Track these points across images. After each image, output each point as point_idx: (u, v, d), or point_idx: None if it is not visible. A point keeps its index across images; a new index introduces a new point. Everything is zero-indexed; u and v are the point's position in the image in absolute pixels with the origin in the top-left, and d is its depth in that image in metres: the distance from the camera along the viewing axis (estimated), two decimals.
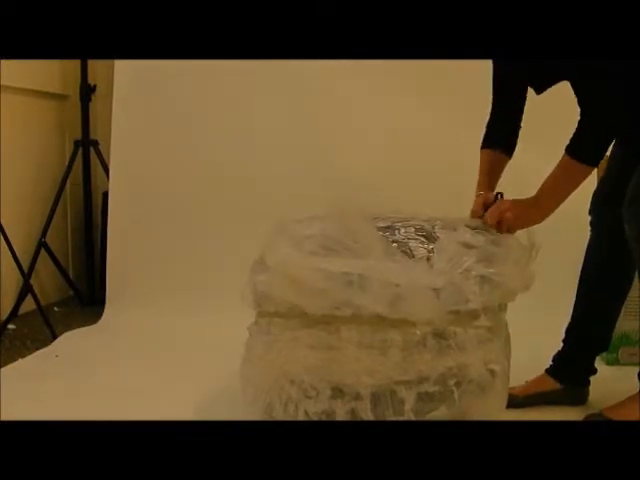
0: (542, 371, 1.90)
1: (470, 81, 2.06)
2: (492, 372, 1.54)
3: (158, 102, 2.92)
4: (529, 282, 1.61)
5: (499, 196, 1.72)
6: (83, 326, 2.70)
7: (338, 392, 1.48)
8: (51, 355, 2.35)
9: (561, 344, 1.90)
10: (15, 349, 2.43)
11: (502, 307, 1.62)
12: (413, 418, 1.46)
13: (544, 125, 2.06)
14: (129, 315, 2.72)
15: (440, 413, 1.47)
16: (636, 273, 1.75)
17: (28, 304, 2.69)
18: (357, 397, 1.46)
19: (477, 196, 1.76)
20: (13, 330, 2.64)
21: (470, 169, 1.84)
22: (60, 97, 3.23)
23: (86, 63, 3.09)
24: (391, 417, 1.46)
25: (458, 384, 1.49)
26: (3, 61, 2.57)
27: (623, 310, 1.94)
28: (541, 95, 1.77)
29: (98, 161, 3.08)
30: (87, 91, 3.09)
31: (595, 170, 1.90)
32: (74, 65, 3.13)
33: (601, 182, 1.86)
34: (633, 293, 2.07)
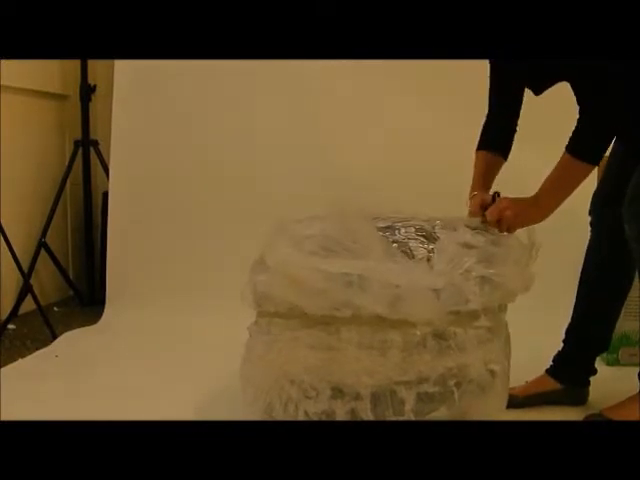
0: (542, 371, 1.91)
1: (470, 81, 2.06)
2: (492, 372, 1.54)
3: (158, 102, 2.92)
4: (529, 283, 1.61)
5: (496, 195, 1.72)
6: (83, 326, 2.70)
7: (338, 392, 1.48)
8: (51, 355, 2.35)
9: (561, 344, 1.90)
10: (15, 349, 2.43)
11: (502, 308, 1.62)
12: (413, 418, 1.46)
13: (542, 125, 2.07)
14: (129, 315, 2.72)
15: (440, 413, 1.47)
16: (636, 273, 1.75)
17: (28, 304, 2.69)
18: (357, 397, 1.46)
19: (472, 197, 1.76)
20: (13, 330, 2.64)
21: (470, 169, 1.83)
22: (60, 97, 3.23)
23: (86, 63, 3.09)
24: (391, 417, 1.46)
25: (458, 384, 1.49)
26: (3, 61, 2.57)
27: (623, 310, 1.94)
28: (539, 95, 1.77)
29: (98, 161, 3.08)
30: (87, 91, 3.09)
31: (595, 170, 1.91)
32: (74, 65, 3.13)
33: (601, 182, 1.86)
34: (633, 293, 2.07)
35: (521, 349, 1.70)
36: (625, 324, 2.15)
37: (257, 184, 2.82)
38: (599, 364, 1.94)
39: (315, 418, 1.48)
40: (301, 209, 1.67)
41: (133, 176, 2.92)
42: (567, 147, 1.57)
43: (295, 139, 2.83)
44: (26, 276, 2.65)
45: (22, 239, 2.83)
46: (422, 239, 1.52)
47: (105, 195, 3.08)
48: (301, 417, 1.49)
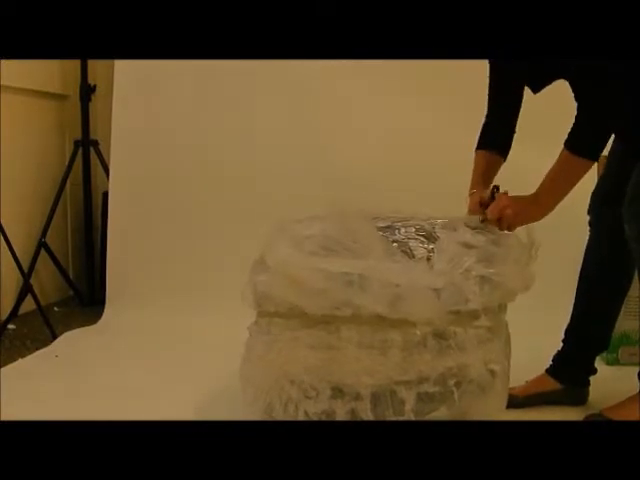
0: (542, 371, 1.90)
1: (470, 81, 2.06)
2: (492, 372, 1.54)
3: (158, 102, 2.92)
4: (529, 282, 1.61)
5: (495, 190, 1.71)
6: (83, 326, 2.70)
7: (338, 392, 1.48)
8: (51, 355, 2.35)
9: (561, 344, 1.90)
10: (15, 349, 2.43)
11: (502, 307, 1.62)
12: (413, 418, 1.46)
13: (541, 123, 2.06)
14: (129, 315, 2.71)
15: (440, 413, 1.47)
16: (635, 272, 1.75)
17: (28, 304, 2.69)
18: (357, 397, 1.47)
19: (470, 195, 1.76)
20: (13, 330, 2.64)
21: (470, 169, 1.83)
22: (60, 97, 3.23)
23: (86, 63, 3.09)
24: (391, 417, 1.46)
25: (458, 384, 1.49)
26: (3, 61, 2.57)
27: (623, 310, 1.94)
28: (537, 93, 1.77)
29: (98, 161, 3.08)
30: (87, 91, 3.09)
31: (595, 170, 1.91)
32: (74, 65, 3.13)
33: (600, 181, 1.86)
34: (633, 293, 2.07)
35: (521, 349, 1.70)
36: (625, 323, 2.15)
37: (257, 184, 2.82)
38: (599, 364, 1.94)
39: (315, 418, 1.48)
40: (301, 209, 1.67)
41: (133, 176, 2.92)
42: (566, 143, 1.57)
43: (295, 139, 2.83)
44: (26, 276, 2.65)
45: (22, 239, 2.83)
46: (422, 239, 1.52)
47: (105, 195, 3.08)
48: (301, 417, 1.49)
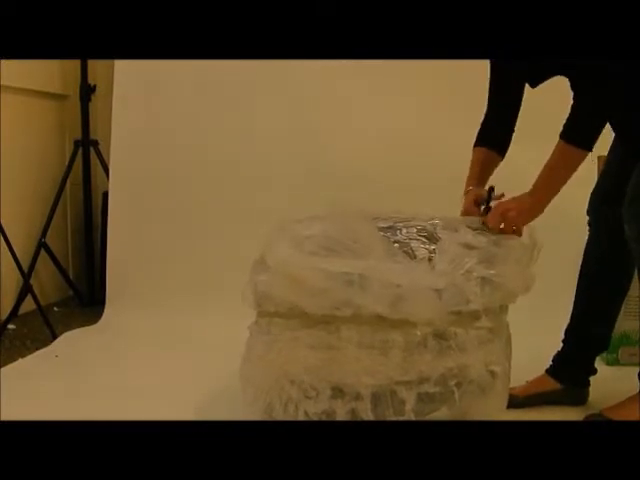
0: (542, 371, 1.90)
1: (470, 81, 2.06)
2: (493, 373, 1.54)
3: (158, 102, 2.92)
4: (530, 283, 1.61)
5: (491, 191, 1.71)
6: (83, 326, 2.70)
7: (338, 392, 1.48)
8: (51, 355, 2.35)
9: (561, 344, 1.90)
10: (15, 349, 2.43)
11: (503, 308, 1.62)
12: (413, 418, 1.46)
13: (538, 123, 2.05)
14: (129, 315, 2.71)
15: (441, 414, 1.47)
16: (635, 272, 1.75)
17: (28, 304, 2.69)
18: (357, 397, 1.46)
19: (466, 192, 1.76)
20: (13, 330, 2.64)
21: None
22: (60, 97, 3.23)
23: (86, 63, 3.08)
24: (391, 417, 1.46)
25: (459, 385, 1.49)
26: (3, 61, 2.57)
27: (623, 310, 1.94)
28: (535, 93, 1.77)
29: (98, 161, 3.08)
30: (87, 91, 3.09)
31: (594, 170, 1.91)
32: (74, 65, 3.13)
33: (599, 181, 1.86)
34: (633, 293, 2.07)
35: (521, 349, 1.70)
36: (625, 323, 2.15)
37: (257, 184, 2.82)
38: (599, 364, 1.94)
39: (315, 418, 1.48)
40: (301, 209, 1.67)
41: (133, 176, 2.92)
42: (561, 134, 1.58)
43: (295, 139, 2.83)
44: (26, 276, 2.65)
45: (22, 239, 2.83)
46: (423, 239, 1.52)
47: (105, 195, 3.08)
48: (301, 417, 1.49)
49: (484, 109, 1.84)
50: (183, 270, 2.82)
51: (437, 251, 1.50)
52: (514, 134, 1.83)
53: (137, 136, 2.93)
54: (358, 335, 1.45)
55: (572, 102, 1.59)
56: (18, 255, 2.55)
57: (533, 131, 1.85)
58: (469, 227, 1.59)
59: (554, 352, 1.91)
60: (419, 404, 1.47)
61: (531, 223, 1.65)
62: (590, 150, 1.57)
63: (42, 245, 2.90)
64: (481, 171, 1.79)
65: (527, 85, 1.79)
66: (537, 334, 2.01)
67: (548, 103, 1.84)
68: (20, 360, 2.29)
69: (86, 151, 3.10)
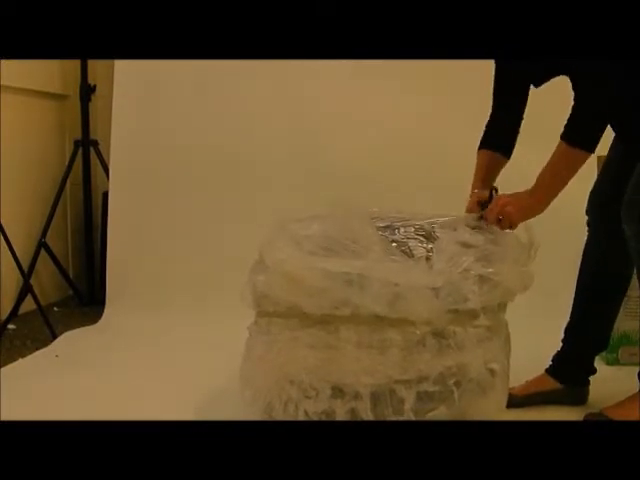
0: (542, 371, 1.90)
1: (470, 81, 2.06)
2: (492, 371, 1.54)
3: (158, 102, 2.92)
4: (528, 282, 1.61)
5: (494, 191, 1.71)
6: (83, 326, 2.70)
7: (338, 392, 1.48)
8: (51, 355, 2.35)
9: (560, 344, 1.90)
10: (15, 349, 2.43)
11: (501, 307, 1.62)
12: (413, 418, 1.46)
13: (541, 125, 2.05)
14: (129, 315, 2.71)
15: (440, 413, 1.47)
16: (634, 272, 1.75)
17: (28, 304, 2.69)
18: (357, 397, 1.47)
19: (471, 195, 1.76)
20: (13, 330, 2.64)
21: (470, 169, 1.83)
22: (60, 97, 3.23)
23: (86, 63, 3.09)
24: (391, 417, 1.46)
25: (458, 383, 1.49)
26: (3, 61, 2.57)
27: (623, 310, 1.93)
28: (536, 93, 1.77)
29: (98, 161, 3.08)
30: (87, 91, 3.09)
31: (593, 170, 1.91)
32: (74, 65, 3.13)
33: (598, 181, 1.86)
34: (633, 293, 2.07)
35: (521, 348, 1.70)
36: (625, 323, 2.15)
37: (257, 184, 2.82)
38: (599, 363, 1.94)
39: (315, 418, 1.48)
40: (301, 209, 1.67)
41: (133, 176, 2.92)
42: (562, 135, 1.57)
43: (295, 139, 2.83)
44: (26, 276, 2.65)
45: (22, 239, 2.83)
46: (421, 238, 1.53)
47: (105, 195, 3.08)
48: (301, 417, 1.49)
49: (484, 109, 1.84)
50: (183, 270, 2.82)
51: (435, 250, 1.50)
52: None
53: (137, 136, 2.93)
54: (357, 335, 1.45)
55: (573, 103, 1.59)
56: (18, 255, 2.55)
57: (536, 132, 1.85)
58: (467, 225, 1.59)
59: (554, 352, 1.91)
60: (418, 403, 1.47)
61: (529, 223, 1.64)
62: (592, 152, 1.57)
63: (42, 245, 2.90)
64: (486, 174, 1.79)
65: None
66: (536, 333, 2.02)
67: (550, 104, 1.84)
68: (20, 360, 2.29)
69: (86, 151, 3.10)
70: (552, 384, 1.88)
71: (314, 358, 1.48)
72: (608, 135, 1.76)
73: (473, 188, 1.78)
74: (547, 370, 1.90)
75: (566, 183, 1.59)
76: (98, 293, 3.07)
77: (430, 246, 1.51)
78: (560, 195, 1.61)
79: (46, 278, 3.06)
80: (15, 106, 2.85)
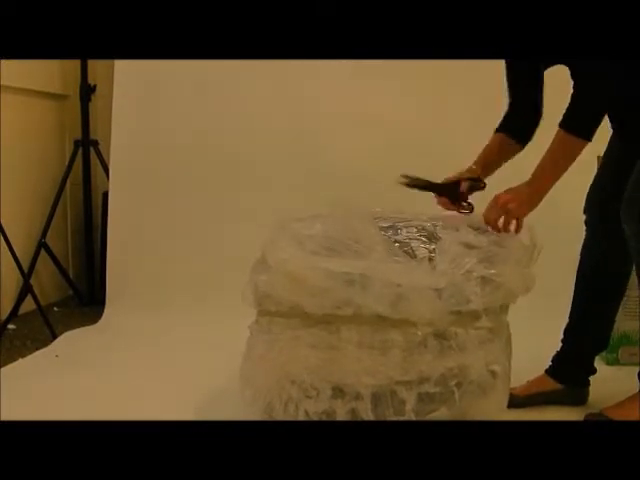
0: (542, 371, 1.90)
1: (471, 81, 2.06)
2: (493, 373, 1.54)
3: (158, 102, 2.92)
4: (530, 283, 1.61)
5: (464, 182, 1.71)
6: (83, 326, 2.70)
7: (339, 392, 1.48)
8: (51, 355, 2.35)
9: (560, 344, 1.90)
10: (15, 349, 2.43)
11: (503, 308, 1.62)
12: (414, 418, 1.46)
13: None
14: (129, 315, 2.71)
15: (441, 414, 1.47)
16: (633, 271, 1.75)
17: (28, 304, 2.69)
18: (358, 397, 1.47)
19: (468, 168, 1.76)
20: (13, 330, 2.64)
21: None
22: (60, 97, 3.23)
23: (86, 63, 3.08)
24: (392, 417, 1.46)
25: (459, 385, 1.49)
26: (3, 61, 2.57)
27: (623, 310, 1.93)
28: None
29: (98, 161, 3.08)
30: (87, 91, 3.09)
31: (592, 169, 1.90)
32: (74, 65, 3.13)
33: (596, 181, 1.85)
34: (633, 293, 2.07)
35: (521, 349, 1.70)
36: (625, 324, 2.15)
37: (257, 184, 2.82)
38: (599, 364, 1.94)
39: (315, 418, 1.48)
40: (302, 209, 1.67)
41: (133, 176, 2.92)
42: (560, 123, 1.57)
43: (295, 139, 2.83)
44: (26, 276, 2.65)
45: (22, 239, 2.83)
46: (424, 239, 1.53)
47: (105, 195, 3.08)
48: (301, 417, 1.49)
49: (485, 109, 1.84)
50: (183, 270, 2.82)
51: (437, 251, 1.50)
52: None
53: (137, 136, 2.93)
54: (359, 335, 1.45)
55: (572, 91, 1.58)
56: (18, 255, 2.55)
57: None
58: (470, 226, 1.59)
59: (554, 352, 1.91)
60: (419, 404, 1.47)
61: (530, 224, 1.64)
62: (589, 140, 1.57)
63: (42, 245, 2.90)
64: (490, 155, 1.79)
65: None
66: (537, 334, 2.01)
67: (549, 94, 1.83)
68: (20, 360, 2.29)
69: (86, 151, 3.09)
70: (552, 384, 1.88)
71: (315, 358, 1.48)
72: (608, 134, 1.76)
73: (473, 164, 1.79)
74: (547, 370, 1.90)
75: (564, 171, 1.59)
76: (98, 293, 3.07)
77: (433, 247, 1.51)
78: (560, 195, 1.61)
79: (46, 278, 3.06)
80: (15, 106, 2.85)
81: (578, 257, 1.85)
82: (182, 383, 2.01)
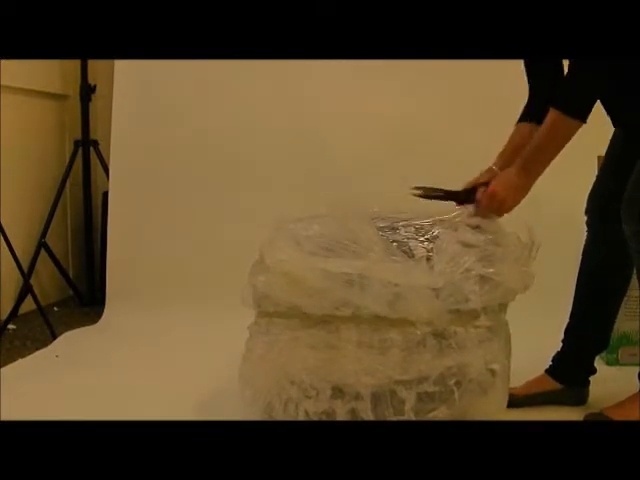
0: (542, 371, 1.90)
1: (471, 81, 2.07)
2: (492, 372, 1.54)
3: (158, 102, 2.92)
4: (529, 282, 1.61)
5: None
6: (83, 326, 2.70)
7: (338, 392, 1.48)
8: (51, 355, 2.35)
9: (560, 344, 1.90)
10: (15, 349, 2.43)
11: (502, 307, 1.62)
12: (413, 418, 1.46)
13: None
14: (129, 315, 2.71)
15: (440, 413, 1.47)
16: (634, 271, 1.75)
17: (28, 304, 2.69)
18: (357, 397, 1.47)
19: (487, 169, 1.73)
20: (13, 330, 2.64)
21: (472, 169, 1.83)
22: (60, 97, 3.23)
23: (86, 63, 3.09)
24: (391, 417, 1.46)
25: (458, 384, 1.49)
26: (3, 61, 2.57)
27: (623, 310, 1.93)
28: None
29: (98, 161, 3.08)
30: (87, 91, 3.09)
31: (595, 169, 1.91)
32: (74, 65, 3.13)
33: (597, 182, 1.85)
34: (633, 293, 2.07)
35: (521, 349, 1.70)
36: (625, 324, 2.15)
37: (257, 184, 2.82)
38: (599, 364, 1.94)
39: (315, 418, 1.49)
40: (301, 209, 1.67)
41: (133, 176, 2.92)
42: (553, 103, 1.53)
43: (295, 139, 2.83)
44: (26, 276, 2.65)
45: (22, 239, 2.83)
46: (422, 238, 1.52)
47: (105, 195, 3.08)
48: (301, 417, 1.49)
49: (485, 109, 1.84)
50: (183, 270, 2.82)
51: (435, 250, 1.50)
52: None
53: (137, 136, 2.93)
54: (358, 335, 1.45)
55: (567, 71, 1.56)
56: (18, 255, 2.55)
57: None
58: (468, 225, 1.59)
59: (554, 352, 1.91)
60: (419, 403, 1.47)
61: (530, 223, 1.64)
62: (584, 121, 1.53)
63: (42, 245, 2.90)
64: (517, 148, 1.70)
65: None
66: (537, 334, 2.01)
67: None
68: (20, 360, 2.29)
69: (86, 151, 3.10)
70: (552, 384, 1.88)
71: (314, 358, 1.48)
72: (607, 134, 1.77)
73: (495, 163, 1.74)
74: (547, 370, 1.90)
75: (555, 155, 1.55)
76: (98, 293, 3.07)
77: (431, 246, 1.51)
78: (560, 195, 1.60)
79: (46, 278, 3.06)
80: (15, 106, 2.85)
81: (578, 257, 1.86)
82: (182, 383, 2.01)
